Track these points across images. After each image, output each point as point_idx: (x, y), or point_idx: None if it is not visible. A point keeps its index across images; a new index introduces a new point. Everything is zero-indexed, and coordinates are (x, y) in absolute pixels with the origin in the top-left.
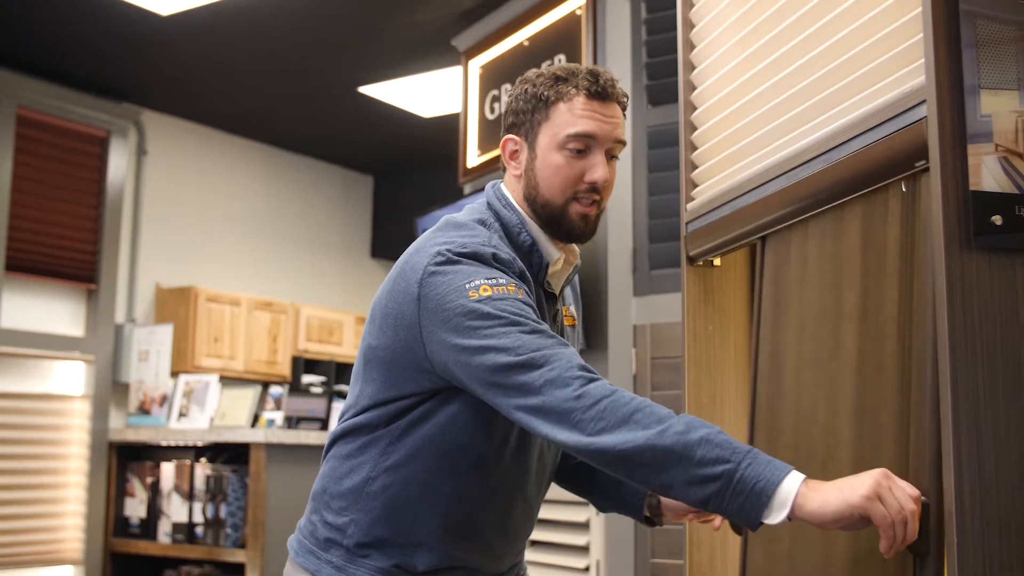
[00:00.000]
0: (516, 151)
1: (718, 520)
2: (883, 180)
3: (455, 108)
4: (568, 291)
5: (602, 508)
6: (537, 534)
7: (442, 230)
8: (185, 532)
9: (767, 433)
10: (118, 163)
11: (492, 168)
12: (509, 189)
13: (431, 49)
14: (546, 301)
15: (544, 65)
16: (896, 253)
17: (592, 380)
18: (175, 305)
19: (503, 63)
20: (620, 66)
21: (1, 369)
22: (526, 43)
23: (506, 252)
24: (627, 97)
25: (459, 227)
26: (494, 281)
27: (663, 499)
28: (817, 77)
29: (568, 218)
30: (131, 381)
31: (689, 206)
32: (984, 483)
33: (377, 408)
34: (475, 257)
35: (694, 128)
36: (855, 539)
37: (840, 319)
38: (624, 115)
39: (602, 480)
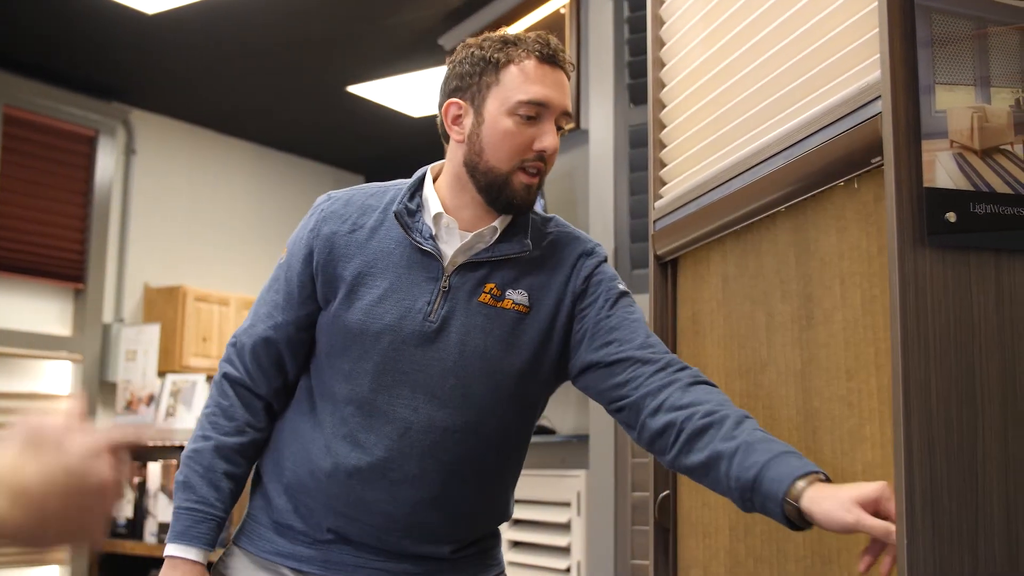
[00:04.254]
0: (459, 116)
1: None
2: (841, 177)
3: None
4: (522, 273)
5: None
6: (518, 534)
7: None
8: None
9: None
10: (106, 162)
11: None
12: (448, 159)
13: (418, 48)
14: (427, 260)
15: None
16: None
17: (218, 384)
18: (163, 305)
19: None
20: (603, 64)
21: None
22: None
23: (340, 199)
24: (573, 67)
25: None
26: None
27: (809, 509)
28: (779, 73)
29: (511, 187)
30: (118, 381)
31: (657, 204)
32: (935, 486)
33: None
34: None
35: (663, 126)
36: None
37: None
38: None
39: (722, 482)
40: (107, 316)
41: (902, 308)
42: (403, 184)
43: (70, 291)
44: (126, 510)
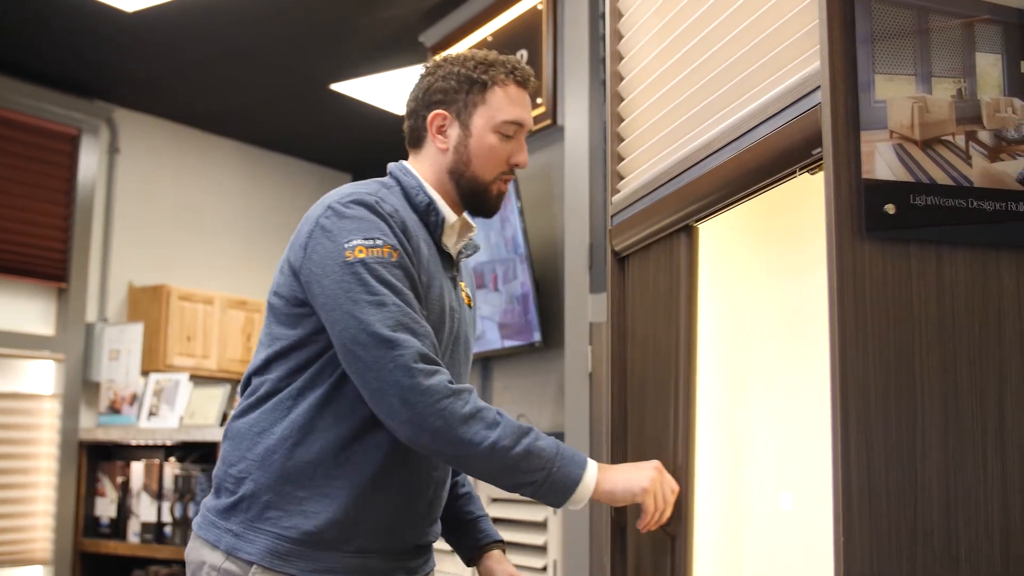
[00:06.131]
0: (444, 126)
1: None
2: (784, 169)
3: None
4: (466, 271)
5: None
6: None
7: (340, 189)
8: (154, 532)
9: None
10: (89, 161)
11: None
12: (422, 163)
13: (399, 45)
14: (442, 259)
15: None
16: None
17: (434, 374)
18: (147, 304)
19: None
20: (578, 60)
21: None
22: (489, 38)
23: (390, 204)
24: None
25: (355, 185)
26: (371, 242)
27: (487, 565)
28: (726, 66)
29: (490, 194)
30: (101, 380)
31: (614, 199)
32: (873, 484)
33: (278, 363)
34: (360, 204)
35: (621, 119)
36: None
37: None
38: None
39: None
40: (90, 315)
41: (840, 303)
42: (389, 184)
43: (53, 290)
44: (110, 510)
